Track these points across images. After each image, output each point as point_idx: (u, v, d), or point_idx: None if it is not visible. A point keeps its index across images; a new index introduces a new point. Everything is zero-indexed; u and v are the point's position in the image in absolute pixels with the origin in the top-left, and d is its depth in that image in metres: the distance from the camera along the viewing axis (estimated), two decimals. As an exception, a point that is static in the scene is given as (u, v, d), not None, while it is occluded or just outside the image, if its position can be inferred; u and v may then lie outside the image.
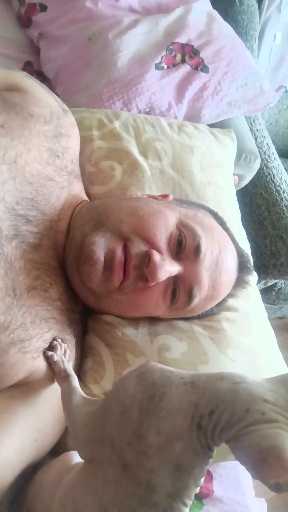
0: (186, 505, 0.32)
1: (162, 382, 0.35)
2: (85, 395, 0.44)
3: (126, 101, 0.88)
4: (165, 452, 0.31)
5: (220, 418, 0.30)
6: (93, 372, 0.59)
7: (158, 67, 0.90)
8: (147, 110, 0.90)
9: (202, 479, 0.33)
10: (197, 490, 0.33)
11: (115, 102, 0.88)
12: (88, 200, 0.70)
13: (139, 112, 0.90)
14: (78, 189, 0.68)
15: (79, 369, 0.60)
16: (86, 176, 0.74)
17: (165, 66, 0.91)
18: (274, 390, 0.30)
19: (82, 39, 0.89)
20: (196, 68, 0.94)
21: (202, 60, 0.94)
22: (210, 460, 0.33)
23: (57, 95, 0.73)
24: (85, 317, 0.65)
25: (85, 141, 0.75)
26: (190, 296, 0.56)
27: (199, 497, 0.64)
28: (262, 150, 1.22)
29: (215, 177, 0.83)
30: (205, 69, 0.94)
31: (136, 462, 0.32)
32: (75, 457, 0.46)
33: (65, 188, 0.63)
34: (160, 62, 0.90)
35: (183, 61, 0.93)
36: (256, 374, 0.61)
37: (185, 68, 0.93)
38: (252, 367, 0.62)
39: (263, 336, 0.70)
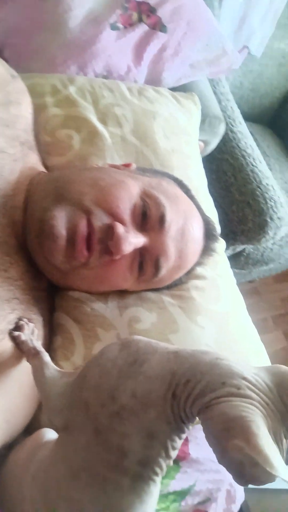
0: (156, 474, 0.32)
1: (146, 350, 0.35)
2: (59, 369, 0.43)
3: (81, 64, 0.83)
4: (138, 417, 0.31)
5: (195, 387, 0.30)
6: (63, 349, 0.58)
7: (113, 27, 0.84)
8: (104, 74, 0.86)
9: (175, 453, 0.33)
10: (170, 462, 0.33)
11: (70, 66, 0.82)
12: (45, 171, 0.66)
13: (96, 76, 0.85)
14: (33, 161, 0.64)
15: (49, 348, 0.58)
16: (42, 146, 0.70)
17: (121, 26, 0.86)
18: (256, 373, 0.30)
19: (31, -3, 0.82)
20: (154, 28, 0.89)
21: (160, 19, 0.89)
22: (183, 435, 0.33)
23: (5, 60, 0.68)
24: (52, 294, 0.63)
25: (38, 109, 0.71)
26: (156, 267, 0.56)
27: (176, 460, 0.65)
28: (227, 114, 1.20)
29: (180, 144, 0.81)
30: (163, 28, 0.89)
31: (108, 425, 0.32)
32: (48, 434, 0.46)
33: (19, 160, 0.59)
34: (115, 22, 0.85)
35: (139, 20, 0.88)
36: (225, 339, 0.63)
37: (143, 28, 0.88)
38: (221, 333, 0.63)
39: (232, 302, 0.71)
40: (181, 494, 0.64)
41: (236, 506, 0.70)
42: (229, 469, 0.27)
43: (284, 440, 0.28)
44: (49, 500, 0.34)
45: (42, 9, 0.84)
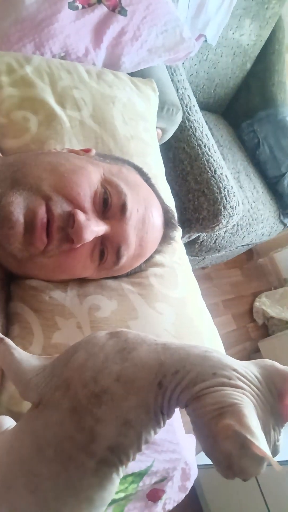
0: (122, 464, 0.32)
1: (135, 340, 0.35)
2: (29, 354, 0.42)
3: (38, 43, 0.79)
4: (118, 403, 0.31)
5: (184, 377, 0.30)
6: (21, 339, 0.56)
7: (71, 6, 0.81)
8: (62, 54, 0.82)
9: (144, 447, 0.33)
10: (134, 457, 0.33)
11: (26, 44, 0.78)
12: (0, 155, 0.63)
13: (53, 56, 0.82)
14: (-12, 143, 0.61)
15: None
16: None
17: (80, 6, 0.83)
18: (246, 366, 0.31)
19: None
20: (113, 10, 0.87)
21: (120, 1, 0.87)
22: (158, 429, 0.33)
23: None
24: (7, 283, 0.61)
25: None
26: (118, 255, 0.56)
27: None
28: (184, 103, 1.21)
29: (139, 130, 0.80)
30: (123, 11, 0.88)
31: (86, 405, 0.31)
32: (5, 421, 0.45)
33: None
34: (73, 1, 0.81)
35: (99, 1, 0.85)
36: (182, 324, 0.65)
37: (102, 9, 0.86)
38: (179, 318, 0.65)
39: (188, 288, 0.73)
40: (139, 475, 0.66)
41: (191, 482, 0.73)
42: (217, 460, 0.27)
43: (272, 432, 0.29)
44: (8, 474, 0.33)
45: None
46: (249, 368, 0.31)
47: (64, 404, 0.32)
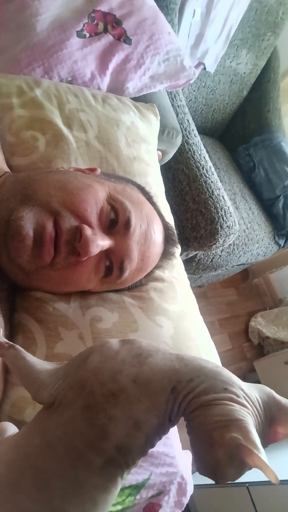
0: (127, 466, 0.33)
1: (149, 348, 0.37)
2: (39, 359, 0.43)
3: (46, 68, 0.84)
4: (132, 404, 0.33)
5: (198, 386, 0.33)
6: (24, 348, 0.55)
7: (80, 34, 0.86)
8: (69, 79, 0.87)
9: (148, 452, 0.35)
10: (137, 463, 0.35)
11: (35, 68, 0.83)
12: (10, 172, 0.66)
13: (61, 80, 0.86)
14: (-1, 161, 0.64)
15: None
16: (7, 146, 0.70)
17: (87, 34, 0.88)
18: (249, 387, 0.34)
19: (-4, -4, 0.82)
20: (118, 39, 0.92)
21: (125, 31, 0.93)
22: (163, 436, 0.35)
23: None
24: (12, 294, 0.63)
25: (4, 109, 0.71)
26: (121, 269, 0.58)
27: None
28: (183, 127, 1.26)
29: (141, 152, 0.84)
30: (127, 40, 0.93)
31: (101, 403, 0.33)
32: (9, 427, 0.46)
33: None
34: (82, 30, 0.87)
35: (105, 30, 0.91)
36: (181, 337, 0.67)
37: (108, 38, 0.91)
38: (177, 331, 0.67)
39: (187, 303, 0.75)
40: (136, 488, 0.66)
41: (187, 498, 0.73)
42: (205, 463, 0.31)
43: None
44: (15, 471, 0.33)
45: (7, 10, 0.84)
46: (252, 389, 0.34)
47: (77, 403, 0.34)
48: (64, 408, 0.34)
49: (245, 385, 0.34)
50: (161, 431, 0.34)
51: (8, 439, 0.40)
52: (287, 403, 0.35)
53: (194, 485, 0.77)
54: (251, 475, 1.44)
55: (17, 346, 0.43)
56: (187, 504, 0.74)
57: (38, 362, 0.41)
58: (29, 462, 0.33)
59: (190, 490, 0.74)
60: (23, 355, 0.41)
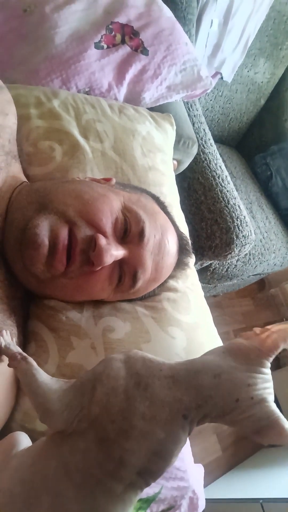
0: (148, 485, 0.34)
1: (145, 373, 0.37)
2: (48, 375, 0.43)
3: (64, 79, 0.85)
4: (147, 437, 0.33)
5: (210, 411, 0.33)
6: (37, 357, 0.58)
7: (97, 46, 0.88)
8: (86, 90, 0.88)
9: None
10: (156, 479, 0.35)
11: (53, 79, 0.84)
12: (27, 181, 0.67)
13: (79, 91, 0.87)
14: (16, 170, 0.65)
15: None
16: (24, 156, 0.71)
17: (105, 46, 0.89)
18: (246, 369, 0.35)
19: (17, 9, 0.83)
20: (136, 50, 0.93)
21: (142, 42, 0.94)
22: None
23: (-10, 69, 0.69)
24: (27, 302, 0.63)
25: (22, 120, 0.72)
26: (134, 279, 0.58)
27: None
28: (199, 136, 1.26)
29: (156, 162, 0.84)
30: (145, 51, 0.94)
31: (115, 439, 0.33)
32: (21, 438, 0.46)
33: (3, 169, 0.60)
34: (99, 41, 0.88)
35: (123, 41, 0.92)
36: (194, 349, 0.66)
37: (125, 49, 0.92)
38: (191, 342, 0.66)
39: (200, 314, 0.74)
40: (147, 502, 0.65)
41: (198, 515, 0.72)
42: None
43: None
44: (31, 491, 0.34)
45: (27, 22, 0.86)
46: (252, 370, 0.35)
47: (90, 434, 0.34)
48: (77, 437, 0.35)
49: (245, 374, 0.35)
50: (180, 448, 0.35)
51: (22, 454, 0.40)
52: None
53: (206, 499, 0.76)
54: (265, 492, 1.41)
55: (30, 359, 0.44)
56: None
57: (47, 381, 0.41)
58: (47, 485, 0.34)
59: (202, 506, 0.73)
60: (33, 372, 0.42)
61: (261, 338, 0.36)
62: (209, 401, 0.33)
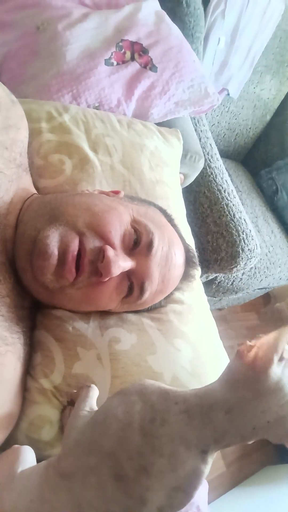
0: None
1: (161, 407, 0.36)
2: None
3: (75, 94, 0.87)
4: (167, 475, 0.32)
5: (229, 443, 0.33)
6: (43, 367, 0.58)
7: (107, 62, 0.90)
8: (96, 105, 0.90)
9: None
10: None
11: (64, 95, 0.87)
12: (37, 193, 0.69)
13: (88, 106, 0.90)
14: (27, 183, 0.67)
15: (28, 364, 0.59)
16: (35, 169, 0.73)
17: (115, 62, 0.92)
18: (253, 396, 0.33)
19: (30, 27, 0.87)
20: (145, 67, 0.96)
21: (151, 59, 0.96)
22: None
23: (3, 83, 0.70)
24: (34, 312, 0.64)
25: (33, 134, 0.74)
26: (141, 290, 0.58)
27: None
28: (206, 151, 1.28)
29: (163, 175, 0.86)
30: (153, 68, 0.96)
31: (134, 477, 0.33)
32: (26, 452, 0.46)
33: (14, 181, 0.61)
34: (109, 58, 0.91)
35: (132, 58, 0.94)
36: (199, 361, 0.66)
37: (134, 66, 0.94)
38: (196, 355, 0.66)
39: (206, 326, 0.74)
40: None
41: (201, 532, 0.70)
42: None
43: None
44: None
45: (40, 39, 0.89)
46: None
47: (103, 470, 0.33)
48: (88, 471, 0.34)
49: (258, 402, 0.33)
50: (202, 481, 0.34)
51: (27, 477, 0.39)
52: None
53: (211, 516, 0.75)
54: (270, 510, 1.38)
55: (91, 388, 0.45)
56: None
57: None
58: None
59: (205, 523, 0.72)
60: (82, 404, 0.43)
61: (249, 359, 0.33)
62: (226, 436, 0.32)
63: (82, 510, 0.33)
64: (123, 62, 0.94)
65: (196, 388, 0.37)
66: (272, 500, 1.54)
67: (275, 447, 2.04)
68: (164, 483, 0.32)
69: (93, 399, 0.45)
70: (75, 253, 0.53)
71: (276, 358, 0.32)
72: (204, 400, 0.35)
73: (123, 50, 0.94)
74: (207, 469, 0.33)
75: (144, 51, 0.96)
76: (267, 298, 2.60)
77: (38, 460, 0.50)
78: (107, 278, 0.53)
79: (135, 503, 0.32)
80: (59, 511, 0.33)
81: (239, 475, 1.84)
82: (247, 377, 0.33)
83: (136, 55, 0.95)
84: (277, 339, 0.33)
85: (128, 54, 0.94)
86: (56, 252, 0.52)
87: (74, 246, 0.53)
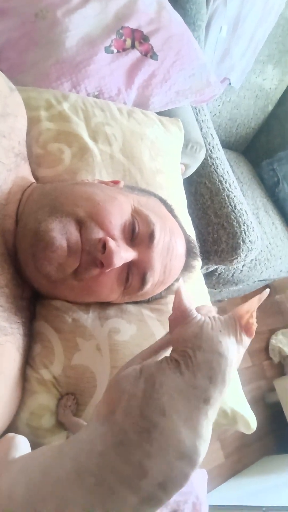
0: (169, 498, 0.32)
1: (158, 372, 0.38)
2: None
3: (74, 82, 0.86)
4: (170, 436, 0.32)
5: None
6: (42, 357, 0.58)
7: (107, 50, 0.89)
8: (96, 93, 0.89)
9: None
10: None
11: (63, 83, 0.85)
12: (35, 182, 0.68)
13: (88, 95, 0.88)
14: (26, 172, 0.66)
15: (28, 355, 0.59)
16: (33, 158, 0.72)
17: (115, 50, 0.90)
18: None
19: (29, 14, 0.85)
20: (145, 55, 0.94)
21: (152, 47, 0.95)
22: None
23: (2, 71, 0.69)
24: (33, 303, 0.64)
25: (32, 122, 0.73)
26: (143, 281, 0.58)
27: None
28: (207, 141, 1.26)
29: (164, 165, 0.85)
30: (154, 56, 0.95)
31: (136, 440, 0.32)
32: (19, 441, 0.45)
33: (13, 170, 0.61)
34: (110, 46, 0.89)
35: (132, 46, 0.93)
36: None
37: (135, 54, 0.93)
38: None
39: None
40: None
41: (201, 519, 0.71)
42: None
43: None
44: (37, 495, 0.32)
45: (38, 27, 0.87)
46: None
47: (108, 437, 0.34)
48: (97, 439, 0.34)
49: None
50: (207, 445, 0.35)
51: (29, 457, 0.39)
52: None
53: (210, 505, 0.75)
54: (268, 499, 1.39)
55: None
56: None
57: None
58: (56, 488, 0.32)
59: (204, 511, 0.72)
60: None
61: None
62: (217, 373, 0.35)
63: (82, 478, 0.32)
64: (124, 49, 0.92)
65: None
66: (270, 489, 1.55)
67: (274, 438, 2.06)
68: (166, 450, 0.32)
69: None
70: (79, 243, 0.53)
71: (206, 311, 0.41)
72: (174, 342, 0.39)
73: (123, 38, 0.92)
74: (209, 426, 0.34)
75: (144, 38, 0.95)
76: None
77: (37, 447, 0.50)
78: (109, 269, 0.53)
79: (134, 471, 0.31)
80: (61, 480, 0.32)
81: (238, 465, 1.86)
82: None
83: (136, 43, 0.94)
84: (211, 307, 0.44)
85: (128, 42, 0.93)
86: (64, 244, 0.52)
87: (76, 236, 0.53)
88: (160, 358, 0.41)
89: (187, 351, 0.37)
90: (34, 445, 0.54)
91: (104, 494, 0.31)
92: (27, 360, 0.58)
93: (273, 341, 2.34)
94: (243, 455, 1.90)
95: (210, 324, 0.39)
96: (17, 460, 0.40)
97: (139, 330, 0.63)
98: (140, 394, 0.35)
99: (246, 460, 1.90)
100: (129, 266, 0.57)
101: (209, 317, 0.41)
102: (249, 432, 0.66)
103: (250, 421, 0.65)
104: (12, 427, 0.54)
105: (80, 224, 0.54)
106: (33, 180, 0.68)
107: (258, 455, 1.96)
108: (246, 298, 2.36)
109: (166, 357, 0.39)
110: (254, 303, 0.42)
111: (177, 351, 0.40)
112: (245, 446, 1.92)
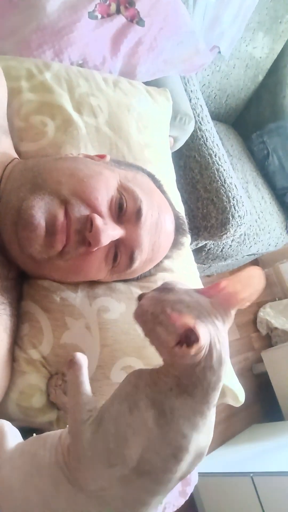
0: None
1: (160, 398, 0.38)
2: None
3: (57, 50, 0.81)
4: (193, 448, 0.36)
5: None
6: (31, 337, 0.57)
7: (91, 15, 0.84)
8: (80, 62, 0.85)
9: None
10: None
11: (45, 51, 0.81)
12: (18, 158, 0.65)
13: (72, 64, 0.84)
14: (7, 146, 0.63)
15: (16, 335, 0.58)
16: (15, 131, 0.69)
17: (99, 16, 0.85)
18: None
19: (6, -25, 0.79)
20: (131, 21, 0.89)
21: (138, 12, 0.90)
22: None
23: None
24: (20, 282, 0.62)
25: (12, 93, 0.69)
26: (131, 259, 0.57)
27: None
28: (196, 112, 1.23)
29: (152, 138, 0.82)
30: (140, 22, 0.90)
31: (161, 466, 0.35)
32: (6, 429, 0.46)
33: None
34: (93, 11, 0.84)
35: (118, 11, 0.88)
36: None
37: (120, 20, 0.88)
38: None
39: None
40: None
41: (191, 488, 0.73)
42: None
43: None
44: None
45: (18, -11, 0.81)
46: None
47: (125, 465, 0.35)
48: (113, 482, 0.36)
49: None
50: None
51: (23, 457, 0.40)
52: None
53: (198, 473, 0.78)
54: (255, 465, 1.45)
55: (77, 367, 0.45)
56: (191, 493, 0.75)
57: (86, 394, 0.43)
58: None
59: (194, 480, 0.74)
60: (79, 381, 0.44)
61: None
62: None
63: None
64: (108, 15, 0.88)
65: None
66: (257, 456, 1.62)
67: (262, 407, 2.12)
68: (191, 456, 0.36)
69: (85, 383, 0.44)
70: (65, 223, 0.51)
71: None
72: None
73: (108, 2, 0.87)
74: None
75: (130, 3, 0.89)
76: (256, 264, 2.62)
77: (30, 429, 0.50)
78: (96, 248, 0.52)
79: (117, 446, 0.35)
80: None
81: (226, 433, 1.92)
82: None
83: (122, 8, 0.89)
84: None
85: (113, 6, 0.88)
86: (43, 223, 0.50)
87: (62, 216, 0.51)
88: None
89: None
90: (26, 425, 0.54)
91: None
92: (15, 341, 0.57)
93: (261, 313, 2.38)
94: (231, 424, 1.96)
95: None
96: (12, 452, 0.41)
97: (128, 309, 0.62)
98: (150, 423, 0.36)
99: (234, 429, 1.97)
100: (116, 244, 0.56)
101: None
102: (237, 405, 0.67)
103: (238, 394, 0.66)
104: (3, 408, 0.54)
105: (65, 203, 0.52)
106: (15, 155, 0.65)
107: (246, 423, 2.03)
108: (234, 272, 2.39)
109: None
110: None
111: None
112: (233, 415, 1.99)
